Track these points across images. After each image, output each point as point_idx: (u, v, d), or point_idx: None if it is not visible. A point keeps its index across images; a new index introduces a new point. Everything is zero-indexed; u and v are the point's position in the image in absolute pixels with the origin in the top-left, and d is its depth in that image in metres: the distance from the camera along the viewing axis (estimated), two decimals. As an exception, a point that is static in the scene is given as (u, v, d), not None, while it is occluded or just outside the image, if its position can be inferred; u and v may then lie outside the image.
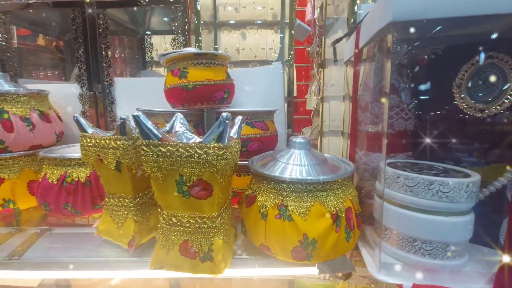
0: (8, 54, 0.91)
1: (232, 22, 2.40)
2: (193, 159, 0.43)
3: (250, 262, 0.52)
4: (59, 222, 0.71)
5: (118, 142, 0.49)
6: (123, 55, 1.15)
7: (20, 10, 0.91)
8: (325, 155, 0.57)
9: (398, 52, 0.51)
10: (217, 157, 0.42)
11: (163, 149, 0.43)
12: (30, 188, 0.74)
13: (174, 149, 0.43)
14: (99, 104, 0.90)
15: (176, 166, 0.44)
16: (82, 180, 0.66)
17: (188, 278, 0.47)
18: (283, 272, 0.55)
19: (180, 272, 0.47)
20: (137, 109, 0.74)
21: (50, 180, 0.66)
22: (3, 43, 0.90)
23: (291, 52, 0.85)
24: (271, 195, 0.49)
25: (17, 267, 0.54)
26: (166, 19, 1.13)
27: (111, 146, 0.50)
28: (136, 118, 0.43)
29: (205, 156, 0.43)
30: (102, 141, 0.51)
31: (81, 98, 0.90)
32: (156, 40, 1.36)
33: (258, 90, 0.88)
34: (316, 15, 2.05)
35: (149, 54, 1.20)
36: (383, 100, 0.47)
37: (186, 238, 0.47)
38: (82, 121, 0.55)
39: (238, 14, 2.38)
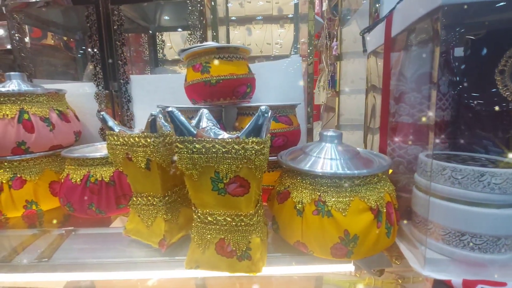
0: (22, 54, 0.89)
1: (234, 18, 2.36)
2: (230, 155, 0.41)
3: (285, 260, 0.51)
4: (81, 222, 0.70)
5: (149, 140, 0.48)
6: (135, 53, 1.14)
7: (33, 8, 0.90)
8: (358, 148, 0.55)
9: (445, 39, 0.49)
10: (255, 153, 0.41)
11: (198, 146, 0.42)
12: (52, 189, 0.74)
13: (210, 145, 0.42)
14: (115, 103, 0.89)
15: (212, 163, 0.42)
16: (106, 179, 0.65)
17: (227, 277, 0.46)
18: (318, 269, 0.54)
19: (217, 271, 0.46)
20: (158, 106, 0.73)
21: (73, 180, 0.65)
22: (18, 43, 0.89)
23: (310, 48, 0.83)
24: (307, 191, 0.47)
25: (47, 270, 0.53)
26: (175, 14, 1.12)
27: (141, 144, 0.49)
28: (170, 114, 0.41)
29: (243, 151, 0.41)
30: (131, 139, 0.50)
31: (97, 97, 0.89)
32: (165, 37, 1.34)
33: (276, 84, 0.86)
34: (324, 8, 2.02)
35: (161, 51, 1.18)
36: (432, 90, 0.45)
37: (222, 236, 0.45)
38: (108, 118, 0.53)
39: (243, 9, 2.35)
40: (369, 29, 0.61)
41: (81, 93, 0.92)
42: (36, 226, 0.71)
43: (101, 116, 0.53)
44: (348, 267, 0.53)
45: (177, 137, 0.42)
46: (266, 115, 0.40)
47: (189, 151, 0.42)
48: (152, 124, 0.47)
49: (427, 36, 0.47)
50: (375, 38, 0.63)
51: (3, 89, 0.68)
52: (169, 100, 0.88)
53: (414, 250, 0.49)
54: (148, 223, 0.54)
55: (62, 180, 0.67)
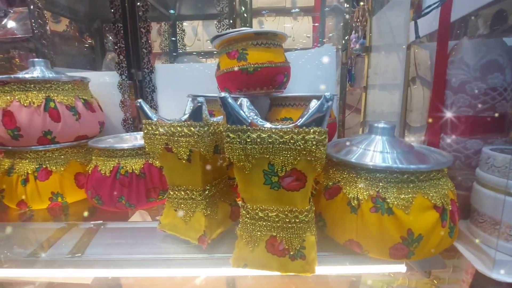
0: (43, 41, 0.86)
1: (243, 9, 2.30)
2: (287, 146, 0.38)
3: (337, 259, 0.48)
4: (102, 216, 0.67)
5: (193, 129, 0.44)
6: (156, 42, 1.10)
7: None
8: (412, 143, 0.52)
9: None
10: (316, 144, 0.37)
11: (253, 135, 0.39)
12: (77, 181, 0.71)
13: (266, 135, 0.38)
14: (139, 93, 0.86)
15: (267, 155, 0.39)
16: (136, 171, 0.62)
17: (279, 276, 0.43)
18: (368, 270, 0.51)
19: (267, 271, 0.43)
20: (188, 96, 0.69)
21: (102, 172, 0.62)
22: (38, 30, 0.85)
23: (346, 37, 0.79)
24: (362, 186, 0.44)
25: (80, 265, 0.50)
26: (198, 2, 1.08)
27: (183, 133, 0.45)
28: (224, 100, 0.38)
29: (302, 142, 0.38)
30: (172, 128, 0.46)
31: (120, 86, 0.86)
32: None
33: (307, 74, 0.82)
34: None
35: (181, 41, 1.14)
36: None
37: (273, 234, 0.42)
38: (145, 107, 0.50)
39: (256, 1, 2.30)
40: (423, 14, 0.57)
41: (102, 83, 0.89)
42: (62, 219, 0.69)
43: (138, 104, 0.50)
44: (399, 268, 0.50)
45: (228, 125, 0.39)
46: (330, 102, 0.37)
47: (242, 141, 0.39)
48: (197, 112, 0.44)
49: (497, 21, 0.43)
50: (428, 24, 0.59)
51: (27, 76, 0.65)
52: (194, 90, 0.84)
53: (474, 251, 0.46)
54: (186, 218, 0.51)
55: (90, 171, 0.64)
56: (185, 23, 1.16)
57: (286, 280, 0.47)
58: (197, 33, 1.81)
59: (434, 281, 0.76)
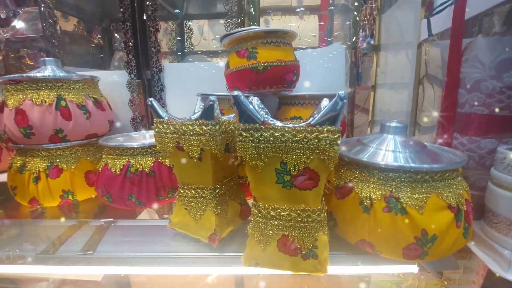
0: (53, 41, 0.87)
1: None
2: (300, 145, 0.38)
3: (349, 259, 0.47)
4: (111, 214, 0.68)
5: (205, 127, 0.44)
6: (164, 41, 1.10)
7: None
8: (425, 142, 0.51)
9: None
10: (330, 142, 0.37)
11: (265, 134, 0.38)
12: (88, 179, 0.71)
13: (279, 134, 0.38)
14: (147, 92, 0.86)
15: (279, 153, 0.39)
16: (146, 170, 0.62)
17: (291, 275, 0.43)
18: (381, 270, 0.51)
19: (279, 270, 0.43)
20: (197, 95, 0.69)
21: (112, 170, 0.62)
22: (48, 29, 0.86)
23: (355, 36, 0.78)
24: (375, 186, 0.43)
25: (91, 262, 0.51)
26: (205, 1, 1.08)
27: (195, 132, 0.45)
28: (237, 99, 0.38)
29: (316, 141, 0.37)
30: (183, 127, 0.47)
31: (129, 85, 0.86)
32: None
33: (316, 72, 0.82)
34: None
35: (189, 40, 1.15)
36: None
37: (285, 233, 0.42)
38: (157, 106, 0.50)
39: (262, 0, 2.29)
40: (437, 12, 0.56)
41: (110, 82, 0.90)
42: (72, 216, 0.70)
43: (149, 103, 0.50)
44: (412, 268, 0.49)
45: (241, 124, 0.39)
46: (344, 101, 0.36)
47: (255, 139, 0.39)
48: (209, 111, 0.44)
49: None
50: (440, 23, 0.58)
51: (39, 75, 0.66)
52: (202, 89, 0.84)
53: (489, 252, 0.45)
54: (197, 217, 0.51)
55: (100, 169, 0.65)
56: (190, 22, 1.16)
57: (298, 279, 0.47)
58: (202, 32, 1.81)
59: (445, 282, 0.75)
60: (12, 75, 0.64)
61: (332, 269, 0.45)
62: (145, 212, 0.77)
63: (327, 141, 0.37)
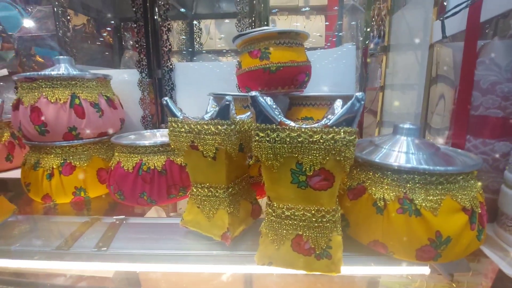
0: (66, 39, 0.88)
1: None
2: (317, 146, 0.38)
3: (360, 260, 0.47)
4: (121, 211, 0.69)
5: (220, 127, 0.45)
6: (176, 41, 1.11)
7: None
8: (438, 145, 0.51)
9: None
10: (346, 144, 0.37)
11: (282, 134, 0.39)
12: (99, 176, 0.72)
13: (295, 135, 0.38)
14: (158, 90, 0.87)
15: (295, 154, 0.39)
16: (158, 168, 0.63)
17: (305, 275, 0.43)
18: (393, 271, 0.51)
19: (292, 269, 0.43)
20: (209, 95, 0.70)
21: (125, 168, 0.63)
22: (61, 28, 0.87)
23: (365, 37, 0.78)
24: (389, 187, 0.43)
25: (105, 259, 0.52)
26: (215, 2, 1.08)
27: (210, 131, 0.46)
28: (254, 99, 0.38)
29: (332, 142, 0.38)
30: (198, 126, 0.47)
31: (140, 84, 0.87)
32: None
33: (327, 73, 0.82)
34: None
35: (198, 39, 1.15)
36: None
37: (300, 232, 0.42)
38: (171, 105, 0.51)
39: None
40: (452, 14, 0.56)
41: (121, 80, 0.90)
42: (84, 213, 0.71)
43: (164, 102, 0.51)
44: (423, 270, 0.49)
45: (258, 124, 0.39)
46: (362, 102, 0.37)
47: (271, 140, 0.39)
48: (225, 111, 0.44)
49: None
50: (455, 24, 0.58)
51: (53, 73, 0.67)
52: (213, 88, 0.85)
53: (502, 255, 0.45)
54: (210, 215, 0.52)
55: (112, 167, 0.66)
56: (196, 22, 1.16)
57: (312, 279, 0.47)
58: (209, 32, 1.82)
59: (453, 284, 0.75)
60: (27, 73, 0.65)
61: (344, 270, 0.46)
62: (153, 210, 0.77)
63: (344, 142, 0.37)
